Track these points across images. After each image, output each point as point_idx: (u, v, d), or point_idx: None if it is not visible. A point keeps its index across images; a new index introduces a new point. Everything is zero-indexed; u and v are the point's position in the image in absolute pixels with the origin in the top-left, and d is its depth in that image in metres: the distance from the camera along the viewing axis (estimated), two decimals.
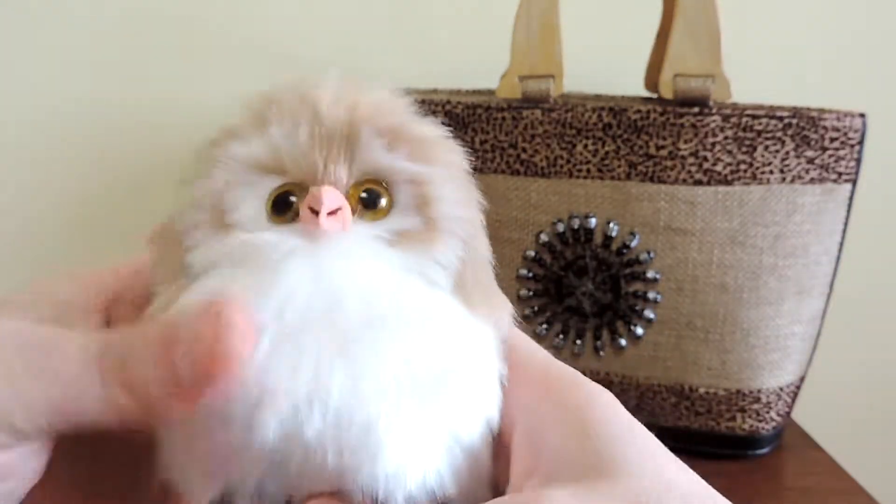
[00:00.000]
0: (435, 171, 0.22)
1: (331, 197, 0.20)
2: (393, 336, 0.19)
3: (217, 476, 0.20)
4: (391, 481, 0.19)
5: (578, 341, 0.49)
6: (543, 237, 0.48)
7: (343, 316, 0.19)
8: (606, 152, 0.46)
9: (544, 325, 0.49)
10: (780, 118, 0.44)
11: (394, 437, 0.18)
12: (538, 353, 0.22)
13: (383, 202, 0.21)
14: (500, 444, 0.21)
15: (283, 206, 0.20)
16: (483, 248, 0.23)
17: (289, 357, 0.18)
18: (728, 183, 0.45)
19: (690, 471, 0.20)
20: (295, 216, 0.20)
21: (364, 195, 0.21)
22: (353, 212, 0.20)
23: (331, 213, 0.20)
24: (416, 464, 0.19)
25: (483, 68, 0.54)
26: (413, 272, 0.20)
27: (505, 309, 0.23)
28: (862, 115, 0.45)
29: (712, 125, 0.45)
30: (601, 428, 0.19)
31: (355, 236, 0.20)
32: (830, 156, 0.45)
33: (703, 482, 0.19)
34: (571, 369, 0.22)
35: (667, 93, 0.46)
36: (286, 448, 0.18)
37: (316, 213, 0.20)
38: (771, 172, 0.45)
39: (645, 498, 0.18)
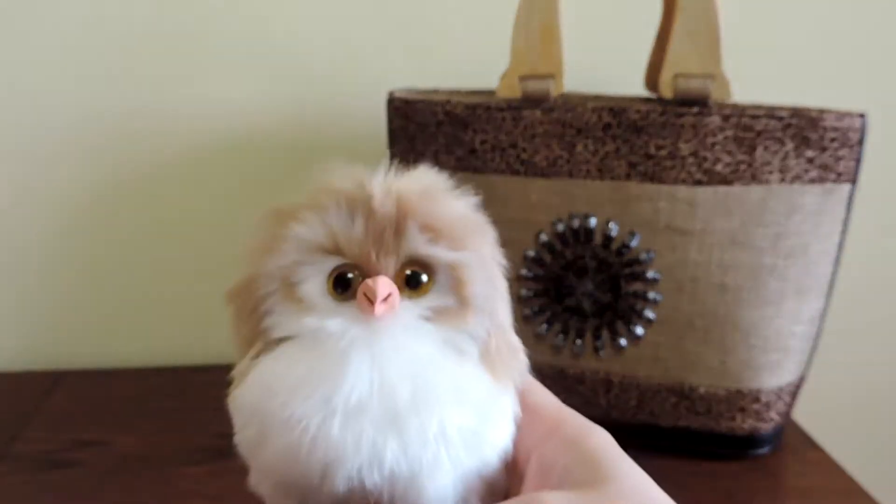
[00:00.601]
0: (468, 256, 0.26)
1: (383, 286, 0.24)
2: (433, 410, 0.24)
3: (295, 501, 0.25)
4: None
5: (578, 341, 0.49)
6: (543, 237, 0.48)
7: (394, 396, 0.24)
8: (606, 152, 0.46)
9: (544, 325, 0.49)
10: (780, 118, 0.44)
11: (433, 481, 0.24)
12: (549, 398, 0.28)
13: (425, 279, 0.25)
14: (515, 473, 0.26)
15: (342, 284, 0.25)
16: (504, 318, 0.28)
17: (353, 432, 0.23)
18: (728, 183, 0.45)
19: (669, 498, 0.24)
20: (353, 294, 0.25)
21: (409, 274, 0.25)
22: (399, 290, 0.25)
23: (382, 301, 0.24)
24: (451, 496, 0.25)
25: (483, 68, 0.54)
26: (448, 344, 0.25)
27: (520, 364, 0.28)
28: (862, 115, 0.45)
29: (712, 125, 0.45)
30: (598, 455, 0.25)
31: (402, 319, 0.25)
32: (830, 156, 0.45)
33: None
34: (578, 414, 0.27)
35: (667, 93, 0.46)
36: (351, 493, 0.24)
37: (371, 301, 0.24)
38: (771, 172, 0.45)
39: (625, 501, 0.23)
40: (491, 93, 0.52)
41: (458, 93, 0.54)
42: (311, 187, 0.26)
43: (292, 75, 0.62)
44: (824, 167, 0.45)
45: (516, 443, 0.27)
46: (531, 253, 0.48)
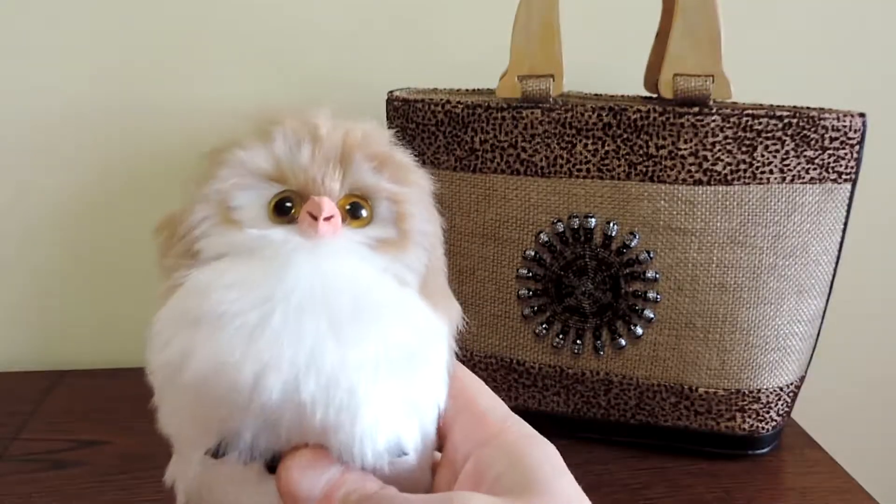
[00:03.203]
0: (410, 191, 0.26)
1: (328, 206, 0.24)
2: (373, 322, 0.23)
3: (215, 432, 0.23)
4: (365, 438, 0.23)
5: (578, 341, 0.49)
6: (543, 237, 0.48)
7: (335, 303, 0.23)
8: (606, 152, 0.46)
9: (544, 325, 0.49)
10: (780, 118, 0.44)
11: (371, 401, 0.23)
12: (498, 404, 0.27)
13: (365, 213, 0.25)
14: (451, 472, 0.26)
15: (282, 210, 0.25)
16: (440, 260, 0.28)
17: (293, 333, 0.22)
18: (728, 183, 0.45)
19: None
20: (291, 219, 0.24)
21: (350, 207, 0.25)
22: (342, 219, 0.25)
23: (325, 220, 0.24)
24: (386, 425, 0.23)
25: (483, 68, 0.54)
26: (389, 272, 0.25)
27: (456, 311, 0.27)
28: (862, 115, 0.45)
29: (712, 125, 0.45)
30: (533, 467, 0.24)
31: (344, 240, 0.24)
32: (830, 156, 0.45)
33: None
34: (526, 424, 0.26)
35: (667, 92, 0.46)
36: (282, 408, 0.22)
37: (315, 218, 0.24)
38: (771, 172, 0.45)
39: None
40: (491, 93, 0.52)
41: (458, 93, 0.54)
42: (254, 119, 0.26)
43: (292, 75, 0.62)
44: (824, 167, 0.45)
45: (456, 442, 0.26)
46: (531, 253, 0.48)
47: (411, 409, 0.24)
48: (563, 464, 0.25)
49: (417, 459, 0.25)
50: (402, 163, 0.27)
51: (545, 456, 0.25)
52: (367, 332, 0.23)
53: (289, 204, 0.25)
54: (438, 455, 0.27)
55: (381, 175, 0.26)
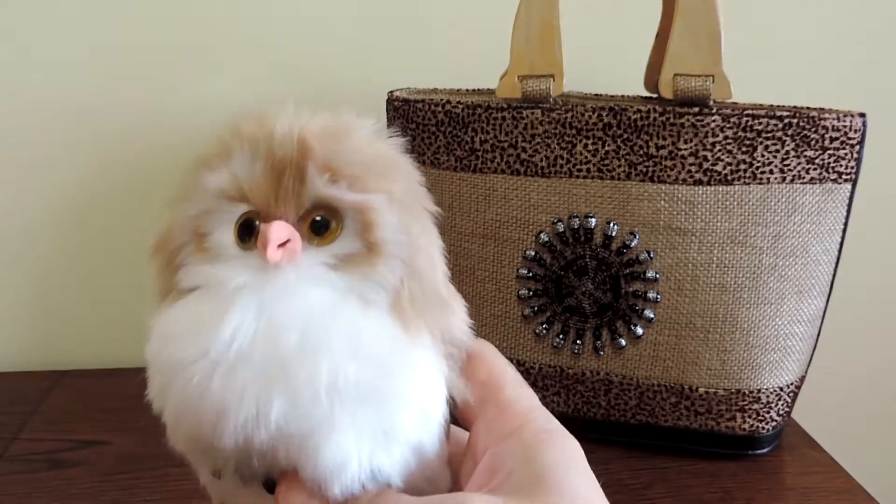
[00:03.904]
0: (374, 198, 0.24)
1: (278, 232, 0.22)
2: (321, 358, 0.22)
3: (207, 459, 0.24)
4: (330, 475, 0.22)
5: (578, 341, 0.49)
6: (543, 237, 0.48)
7: (281, 346, 0.22)
8: (606, 152, 0.46)
9: (544, 325, 0.49)
10: (780, 118, 0.44)
11: (329, 441, 0.22)
12: (524, 394, 0.26)
13: (332, 226, 0.24)
14: (472, 463, 0.25)
15: (247, 232, 0.24)
16: (425, 265, 0.25)
17: (236, 385, 0.21)
18: (728, 183, 0.45)
19: None
20: (255, 243, 0.23)
21: (316, 220, 0.24)
22: (303, 237, 0.23)
23: (281, 245, 0.22)
24: (355, 461, 0.22)
25: (483, 68, 0.54)
26: (353, 293, 0.23)
27: (457, 315, 0.26)
28: (862, 115, 0.45)
29: (712, 125, 0.45)
30: (547, 465, 0.23)
31: (303, 266, 0.23)
32: (830, 156, 0.45)
33: None
34: (550, 417, 0.25)
35: (667, 93, 0.46)
36: (247, 448, 0.22)
37: (263, 249, 0.22)
38: (771, 172, 0.45)
39: None
40: (491, 93, 0.52)
41: (458, 93, 0.54)
42: (221, 131, 0.25)
43: (292, 75, 0.62)
44: (824, 167, 0.45)
45: (479, 433, 0.25)
46: (531, 253, 0.48)
47: (385, 438, 0.23)
48: (584, 461, 0.24)
49: (419, 474, 0.25)
50: (364, 168, 0.24)
51: (563, 453, 0.24)
52: (315, 372, 0.22)
53: (255, 223, 0.23)
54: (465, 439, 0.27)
55: (337, 185, 0.23)
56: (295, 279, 0.23)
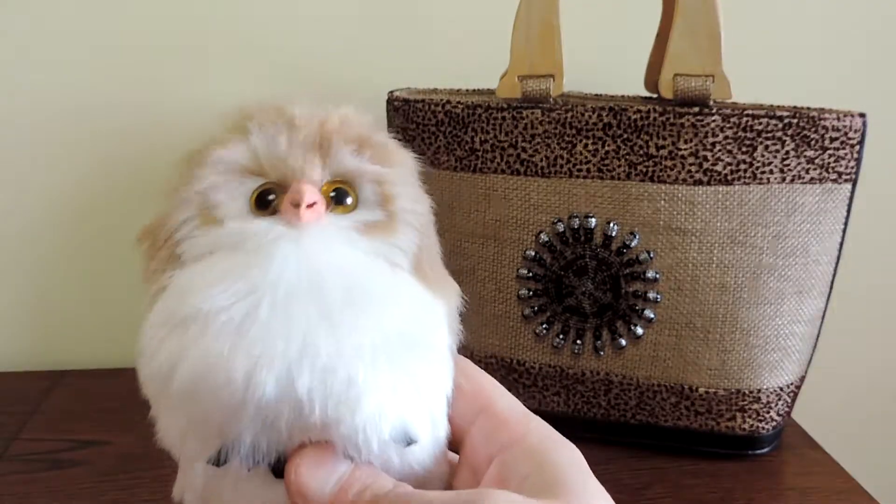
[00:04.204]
0: (394, 171, 0.25)
1: (310, 192, 0.23)
2: (367, 308, 0.22)
3: (214, 439, 0.22)
4: (369, 428, 0.22)
5: (578, 341, 0.49)
6: (543, 237, 0.48)
7: (325, 290, 0.22)
8: (606, 152, 0.46)
9: (544, 325, 0.49)
10: (780, 118, 0.44)
11: (371, 389, 0.22)
12: (517, 405, 0.26)
13: (349, 200, 0.25)
14: (473, 477, 0.25)
15: (264, 203, 0.24)
16: (433, 239, 0.27)
17: (282, 324, 0.21)
18: (728, 183, 0.45)
19: None
20: (274, 211, 0.24)
21: (333, 193, 0.24)
22: (326, 207, 0.24)
23: (308, 207, 0.23)
24: (390, 413, 0.22)
25: (483, 68, 0.54)
26: (379, 255, 0.24)
27: (454, 290, 0.27)
28: (862, 115, 0.45)
29: (712, 125, 0.45)
30: (561, 468, 0.24)
31: (330, 226, 0.24)
32: (830, 156, 0.45)
33: None
34: (547, 425, 0.26)
35: (667, 93, 0.46)
36: (279, 405, 0.21)
37: (297, 206, 0.23)
38: (771, 172, 0.45)
39: None
40: (491, 93, 0.52)
41: (458, 93, 0.54)
42: (229, 117, 0.25)
43: (292, 75, 0.62)
44: (824, 167, 0.45)
45: (476, 445, 0.26)
46: (531, 253, 0.48)
47: (416, 394, 0.23)
48: (588, 467, 0.25)
49: (430, 450, 0.25)
50: (384, 143, 0.26)
51: (572, 459, 0.24)
52: (361, 318, 0.22)
53: (270, 196, 0.24)
54: (455, 457, 0.27)
55: (362, 157, 0.25)
56: (328, 236, 0.23)
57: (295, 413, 0.21)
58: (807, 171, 0.45)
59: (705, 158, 0.45)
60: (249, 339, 0.21)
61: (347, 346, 0.21)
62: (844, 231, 0.47)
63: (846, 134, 0.45)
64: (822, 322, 0.50)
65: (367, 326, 0.22)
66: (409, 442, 0.23)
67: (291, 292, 0.21)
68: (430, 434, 0.24)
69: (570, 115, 0.46)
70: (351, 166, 0.24)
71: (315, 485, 0.22)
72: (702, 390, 0.48)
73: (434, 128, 0.49)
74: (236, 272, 0.22)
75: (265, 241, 0.22)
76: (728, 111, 0.44)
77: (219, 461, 0.23)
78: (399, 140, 0.27)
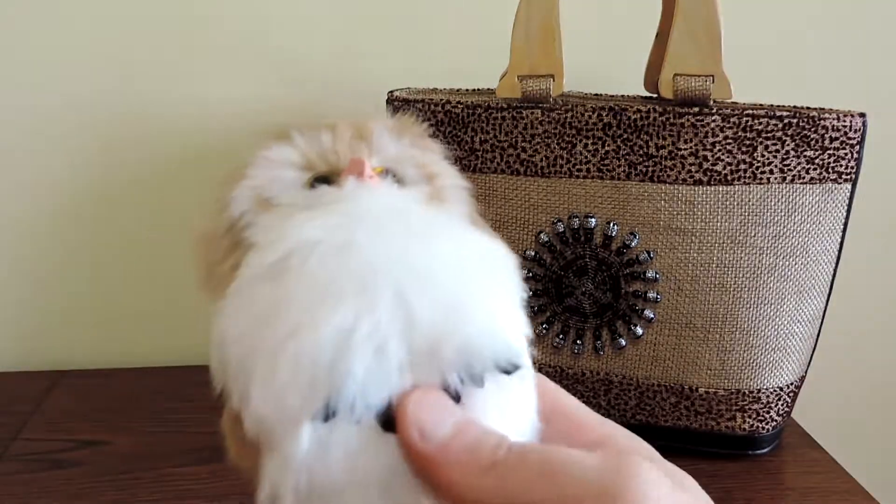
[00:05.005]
0: (432, 155, 0.27)
1: (367, 165, 0.24)
2: (452, 234, 0.23)
3: (322, 387, 0.20)
4: (483, 338, 0.21)
5: (578, 341, 0.49)
6: (543, 237, 0.48)
7: (410, 221, 0.22)
8: (606, 152, 0.46)
9: (544, 325, 0.49)
10: (780, 118, 0.44)
11: (477, 298, 0.21)
12: (585, 407, 0.25)
13: (397, 182, 0.25)
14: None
15: (320, 183, 0.24)
16: (476, 215, 0.28)
17: (383, 245, 0.21)
18: (728, 183, 0.45)
19: None
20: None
21: (383, 172, 0.25)
22: None
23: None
24: (497, 326, 0.22)
25: (483, 68, 0.54)
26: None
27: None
28: (862, 115, 0.45)
29: (712, 125, 0.45)
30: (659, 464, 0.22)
31: (394, 188, 0.25)
32: (830, 156, 0.45)
33: None
34: (621, 427, 0.24)
35: (667, 93, 0.46)
36: (390, 328, 0.20)
37: (358, 174, 0.23)
38: (771, 172, 0.45)
39: None
40: (491, 93, 0.52)
41: (458, 93, 0.54)
42: (266, 132, 0.26)
43: (292, 75, 0.62)
44: (824, 167, 0.45)
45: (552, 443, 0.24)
46: (531, 253, 0.48)
47: (513, 310, 0.23)
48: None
49: (530, 389, 0.24)
50: (418, 130, 0.28)
51: (655, 455, 0.24)
52: (450, 242, 0.22)
53: (325, 181, 0.24)
54: None
55: (402, 142, 0.26)
56: (395, 192, 0.24)
57: (406, 334, 0.20)
58: (807, 171, 0.45)
59: (705, 158, 0.45)
60: (354, 262, 0.21)
61: (446, 261, 0.22)
62: (844, 231, 0.47)
63: (846, 134, 0.45)
64: (822, 322, 0.50)
65: (456, 248, 0.22)
66: (516, 367, 0.22)
67: (381, 221, 0.22)
68: (527, 363, 0.24)
69: (570, 115, 0.46)
70: (394, 151, 0.26)
71: (433, 422, 0.20)
72: (702, 390, 0.48)
73: (434, 128, 0.48)
74: (324, 213, 0.22)
75: (343, 194, 0.23)
76: (728, 111, 0.44)
77: (327, 416, 0.20)
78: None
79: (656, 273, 0.47)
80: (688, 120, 0.45)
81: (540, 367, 0.50)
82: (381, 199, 0.23)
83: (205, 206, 0.25)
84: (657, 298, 0.47)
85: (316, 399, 0.20)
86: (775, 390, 0.49)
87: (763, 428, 0.49)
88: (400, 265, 0.21)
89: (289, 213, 0.23)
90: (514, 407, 0.23)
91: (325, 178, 0.24)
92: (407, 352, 0.20)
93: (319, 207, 0.23)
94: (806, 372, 0.51)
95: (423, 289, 0.21)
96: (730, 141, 0.45)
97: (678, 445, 0.50)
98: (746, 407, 0.49)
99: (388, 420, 0.21)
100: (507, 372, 0.22)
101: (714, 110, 0.45)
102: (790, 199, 0.45)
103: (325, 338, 0.20)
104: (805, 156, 0.45)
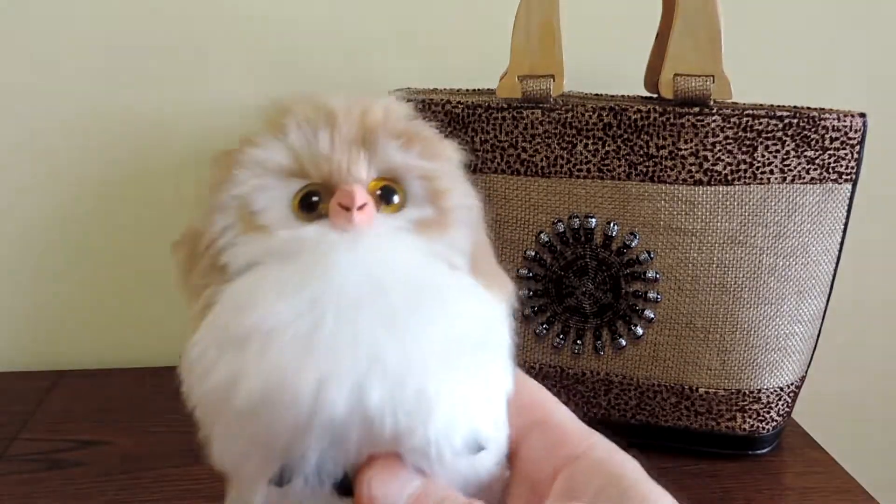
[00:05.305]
0: (443, 166, 0.24)
1: (360, 194, 0.22)
2: (432, 314, 0.21)
3: (276, 458, 0.21)
4: (441, 439, 0.21)
5: (578, 341, 0.49)
6: (543, 237, 0.48)
7: (388, 299, 0.21)
8: (606, 152, 0.46)
9: (544, 325, 0.49)
10: (780, 118, 0.44)
11: (442, 399, 0.21)
12: (575, 418, 0.26)
13: (397, 198, 0.23)
14: (534, 491, 0.24)
15: (309, 205, 0.22)
16: (484, 234, 0.26)
17: (349, 337, 0.20)
18: (728, 183, 0.45)
19: None
20: (320, 215, 0.22)
21: (380, 191, 0.23)
22: (375, 206, 0.23)
23: (358, 209, 0.22)
24: (461, 421, 0.21)
25: (483, 68, 0.54)
26: (437, 256, 0.23)
27: (509, 287, 0.25)
28: (862, 115, 0.45)
29: (712, 125, 0.45)
30: (632, 481, 0.23)
31: (383, 228, 0.22)
32: (831, 156, 0.45)
33: None
34: (606, 439, 0.25)
35: (667, 93, 0.46)
36: (349, 421, 0.20)
37: (346, 209, 0.22)
38: (771, 172, 0.45)
39: None
40: (491, 93, 0.52)
41: (458, 93, 0.54)
42: (264, 113, 0.24)
43: (292, 75, 0.62)
44: (824, 167, 0.45)
45: (534, 457, 0.24)
46: (531, 253, 0.48)
47: (484, 399, 0.22)
48: (647, 475, 0.24)
49: (495, 455, 0.24)
50: (430, 136, 0.25)
51: (636, 469, 0.24)
52: (427, 325, 0.21)
53: (315, 198, 0.22)
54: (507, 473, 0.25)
55: (409, 152, 0.23)
56: (384, 240, 0.22)
57: (365, 428, 0.20)
58: (807, 172, 0.45)
59: (705, 158, 0.45)
60: (316, 354, 0.20)
61: (415, 355, 0.20)
62: (844, 231, 0.47)
63: (846, 134, 0.45)
64: (822, 322, 0.50)
65: (433, 333, 0.21)
66: (479, 449, 0.22)
67: (354, 303, 0.20)
68: (496, 439, 0.24)
69: (570, 115, 0.46)
70: (398, 162, 0.23)
71: (390, 496, 0.21)
72: (702, 390, 0.48)
73: (434, 128, 0.48)
74: (294, 285, 0.21)
75: (320, 250, 0.21)
76: (728, 111, 0.44)
77: (282, 481, 0.21)
78: (435, 130, 0.25)
79: (656, 273, 0.47)
80: (688, 120, 0.45)
81: (540, 368, 0.50)
82: (363, 261, 0.21)
83: (199, 204, 0.24)
84: (657, 298, 0.47)
85: (270, 468, 0.21)
86: (775, 390, 0.49)
87: (763, 428, 0.49)
88: (365, 361, 0.20)
89: (260, 270, 0.22)
90: (480, 469, 0.23)
91: (315, 193, 0.23)
92: (367, 443, 0.21)
93: (294, 268, 0.21)
94: (806, 372, 0.51)
95: (386, 387, 0.20)
96: (730, 141, 0.45)
97: (678, 445, 0.50)
98: (747, 407, 0.49)
99: (346, 487, 0.21)
100: (473, 453, 0.22)
101: (714, 110, 0.45)
102: (790, 200, 0.45)
103: (282, 423, 0.20)
104: (805, 156, 0.45)
